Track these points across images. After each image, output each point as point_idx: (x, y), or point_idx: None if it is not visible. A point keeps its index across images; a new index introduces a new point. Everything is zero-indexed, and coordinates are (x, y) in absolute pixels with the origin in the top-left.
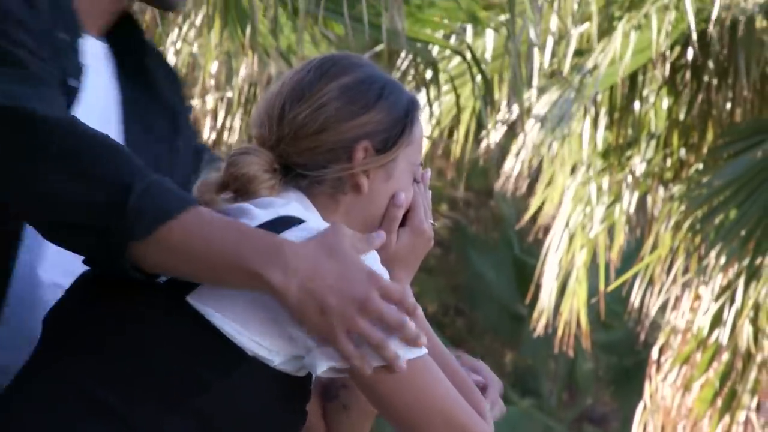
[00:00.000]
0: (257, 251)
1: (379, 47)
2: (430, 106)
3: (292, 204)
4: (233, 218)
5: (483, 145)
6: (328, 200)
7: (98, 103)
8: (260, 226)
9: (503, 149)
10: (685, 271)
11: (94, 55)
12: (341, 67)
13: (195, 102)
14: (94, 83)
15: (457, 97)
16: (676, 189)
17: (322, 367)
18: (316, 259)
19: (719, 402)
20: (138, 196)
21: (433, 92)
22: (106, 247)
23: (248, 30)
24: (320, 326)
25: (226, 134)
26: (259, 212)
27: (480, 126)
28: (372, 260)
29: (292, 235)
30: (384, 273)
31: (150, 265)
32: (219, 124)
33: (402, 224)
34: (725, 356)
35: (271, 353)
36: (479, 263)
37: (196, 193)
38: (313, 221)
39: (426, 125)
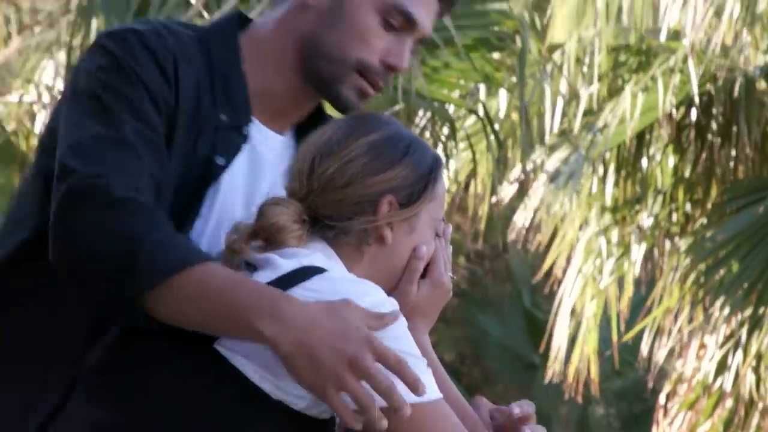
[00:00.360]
0: (255, 304)
1: (398, 106)
2: (447, 161)
3: (317, 254)
4: (260, 267)
5: (495, 200)
6: (353, 251)
7: (244, 190)
8: (283, 276)
9: (516, 204)
10: (691, 320)
11: (271, 149)
12: (369, 125)
13: None
14: (255, 169)
15: (473, 153)
16: (682, 242)
17: None
18: (314, 316)
19: None
20: (150, 249)
21: (449, 148)
22: (122, 296)
23: None
24: (311, 379)
25: None
26: (283, 262)
27: (494, 183)
28: (382, 303)
29: (313, 284)
30: (402, 320)
31: (163, 316)
32: None
33: (422, 276)
34: (729, 402)
35: (296, 398)
36: (493, 315)
37: (226, 241)
38: (337, 271)
39: (446, 181)
